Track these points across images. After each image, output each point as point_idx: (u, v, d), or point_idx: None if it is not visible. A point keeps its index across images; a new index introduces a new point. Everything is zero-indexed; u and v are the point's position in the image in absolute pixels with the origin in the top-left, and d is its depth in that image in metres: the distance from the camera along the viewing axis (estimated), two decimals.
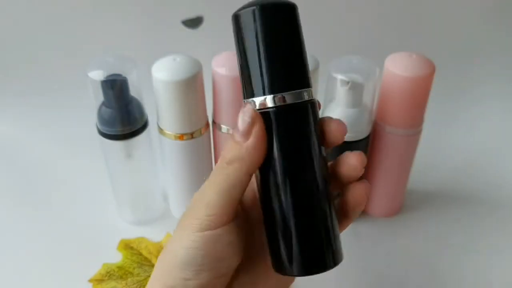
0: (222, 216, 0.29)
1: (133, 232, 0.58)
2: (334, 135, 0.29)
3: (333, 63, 0.51)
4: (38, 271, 0.55)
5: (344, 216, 0.31)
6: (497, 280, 0.54)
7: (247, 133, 0.28)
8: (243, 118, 0.28)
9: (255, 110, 0.28)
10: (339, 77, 0.49)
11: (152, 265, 0.55)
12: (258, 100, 0.28)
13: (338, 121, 0.29)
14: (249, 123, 0.27)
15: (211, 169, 0.58)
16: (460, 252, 0.57)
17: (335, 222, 0.29)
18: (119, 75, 0.48)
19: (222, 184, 0.28)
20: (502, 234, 0.60)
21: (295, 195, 0.28)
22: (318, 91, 0.51)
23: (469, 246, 0.58)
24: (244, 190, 0.29)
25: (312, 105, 0.29)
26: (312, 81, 0.49)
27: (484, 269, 0.55)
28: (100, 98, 0.49)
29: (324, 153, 0.29)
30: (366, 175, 0.58)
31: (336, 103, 0.51)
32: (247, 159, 0.28)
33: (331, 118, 0.30)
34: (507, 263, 0.56)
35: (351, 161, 0.29)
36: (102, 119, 0.50)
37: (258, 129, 0.27)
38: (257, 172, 0.29)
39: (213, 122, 0.54)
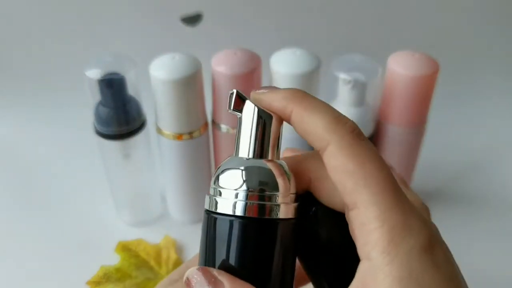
0: None
1: (131, 234, 0.57)
2: None
3: (335, 62, 0.50)
4: (35, 273, 0.54)
5: None
6: (499, 279, 0.54)
7: None
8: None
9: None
10: (342, 76, 0.49)
11: (150, 267, 0.54)
12: None
13: None
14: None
15: (210, 169, 0.57)
16: (462, 252, 0.56)
17: None
18: (116, 73, 0.48)
19: None
20: (504, 234, 0.59)
21: None
22: (320, 90, 0.51)
23: (471, 246, 0.57)
24: None
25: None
26: (314, 80, 0.49)
27: (486, 269, 0.55)
28: (98, 97, 0.49)
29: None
30: None
31: (338, 102, 0.50)
32: None
33: None
34: (509, 263, 0.56)
35: None
36: (99, 118, 0.49)
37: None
38: None
39: (213, 121, 0.53)
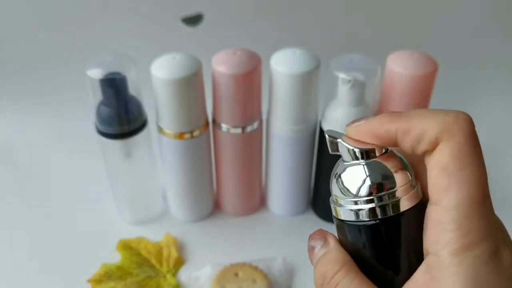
0: None
1: (132, 232, 0.58)
2: None
3: (334, 62, 0.50)
4: (37, 271, 0.55)
5: None
6: None
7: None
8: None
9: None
10: (341, 75, 0.48)
11: (151, 265, 0.54)
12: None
13: None
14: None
15: (211, 168, 0.57)
16: None
17: None
18: (118, 73, 0.48)
19: None
20: None
21: None
22: (320, 90, 0.51)
23: None
24: None
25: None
26: (314, 80, 0.49)
27: None
28: (99, 96, 0.49)
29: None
30: None
31: (337, 101, 0.50)
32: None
33: None
34: None
35: None
36: (100, 118, 0.50)
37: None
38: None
39: (213, 121, 0.53)
